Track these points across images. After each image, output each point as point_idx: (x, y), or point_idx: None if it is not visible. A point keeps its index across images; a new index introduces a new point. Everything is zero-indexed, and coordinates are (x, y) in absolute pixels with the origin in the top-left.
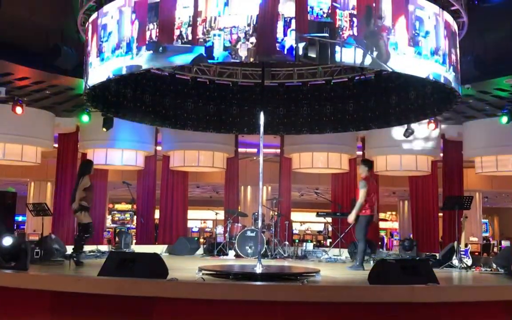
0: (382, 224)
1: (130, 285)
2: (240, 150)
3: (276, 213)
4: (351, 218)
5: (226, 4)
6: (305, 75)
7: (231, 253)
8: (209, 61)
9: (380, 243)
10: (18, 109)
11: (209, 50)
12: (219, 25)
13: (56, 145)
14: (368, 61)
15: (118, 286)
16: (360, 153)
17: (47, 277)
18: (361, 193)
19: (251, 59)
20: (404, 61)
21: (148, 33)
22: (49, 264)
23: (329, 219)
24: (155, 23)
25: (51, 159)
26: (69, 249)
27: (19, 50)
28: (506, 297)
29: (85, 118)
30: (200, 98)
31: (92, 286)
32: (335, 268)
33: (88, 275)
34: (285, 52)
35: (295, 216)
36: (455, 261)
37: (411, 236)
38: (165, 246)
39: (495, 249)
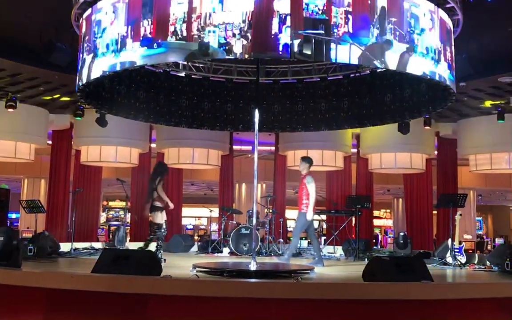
0: (376, 222)
1: (124, 282)
2: (235, 147)
3: (270, 211)
4: (310, 215)
5: (221, 0)
6: (300, 72)
7: (226, 250)
8: (204, 57)
9: (374, 240)
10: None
11: (204, 46)
12: (214, 22)
13: (50, 142)
14: (362, 58)
15: (112, 283)
16: (355, 150)
17: (40, 274)
18: (311, 187)
19: (246, 56)
20: (399, 58)
21: (142, 29)
22: (43, 261)
23: (324, 217)
24: (149, 19)
25: (44, 156)
26: (63, 246)
27: (12, 46)
28: (500, 294)
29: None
30: (195, 95)
31: (86, 283)
32: (329, 265)
33: (81, 272)
34: (280, 49)
35: (290, 213)
36: (449, 259)
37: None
38: None
39: (489, 247)
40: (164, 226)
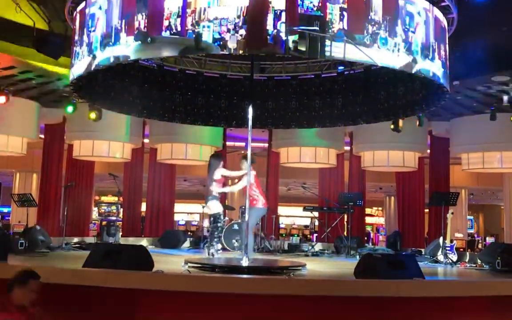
0: (368, 220)
1: (115, 277)
2: (228, 143)
3: None
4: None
5: None
6: (295, 69)
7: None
8: (198, 52)
9: (366, 238)
10: (2, 99)
11: (198, 41)
12: (208, 17)
13: (42, 136)
14: (357, 55)
15: (103, 277)
16: (348, 148)
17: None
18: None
19: (241, 51)
20: (394, 56)
21: (136, 24)
22: (34, 255)
23: (316, 214)
24: (143, 14)
25: (37, 150)
26: (54, 240)
27: (6, 38)
28: (490, 293)
29: (69, 109)
30: (189, 91)
31: (77, 277)
32: (321, 262)
33: (72, 267)
34: (275, 45)
35: (282, 210)
36: (440, 257)
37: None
38: (152, 239)
39: (480, 246)
40: (219, 216)
